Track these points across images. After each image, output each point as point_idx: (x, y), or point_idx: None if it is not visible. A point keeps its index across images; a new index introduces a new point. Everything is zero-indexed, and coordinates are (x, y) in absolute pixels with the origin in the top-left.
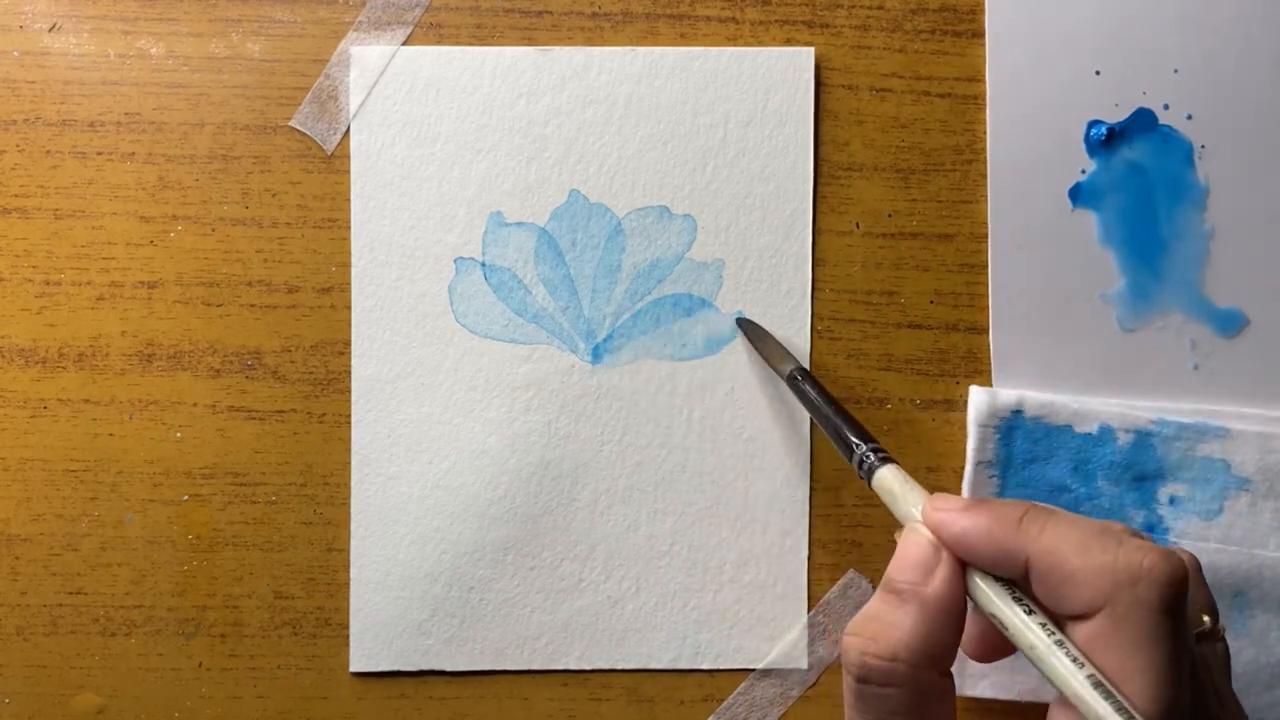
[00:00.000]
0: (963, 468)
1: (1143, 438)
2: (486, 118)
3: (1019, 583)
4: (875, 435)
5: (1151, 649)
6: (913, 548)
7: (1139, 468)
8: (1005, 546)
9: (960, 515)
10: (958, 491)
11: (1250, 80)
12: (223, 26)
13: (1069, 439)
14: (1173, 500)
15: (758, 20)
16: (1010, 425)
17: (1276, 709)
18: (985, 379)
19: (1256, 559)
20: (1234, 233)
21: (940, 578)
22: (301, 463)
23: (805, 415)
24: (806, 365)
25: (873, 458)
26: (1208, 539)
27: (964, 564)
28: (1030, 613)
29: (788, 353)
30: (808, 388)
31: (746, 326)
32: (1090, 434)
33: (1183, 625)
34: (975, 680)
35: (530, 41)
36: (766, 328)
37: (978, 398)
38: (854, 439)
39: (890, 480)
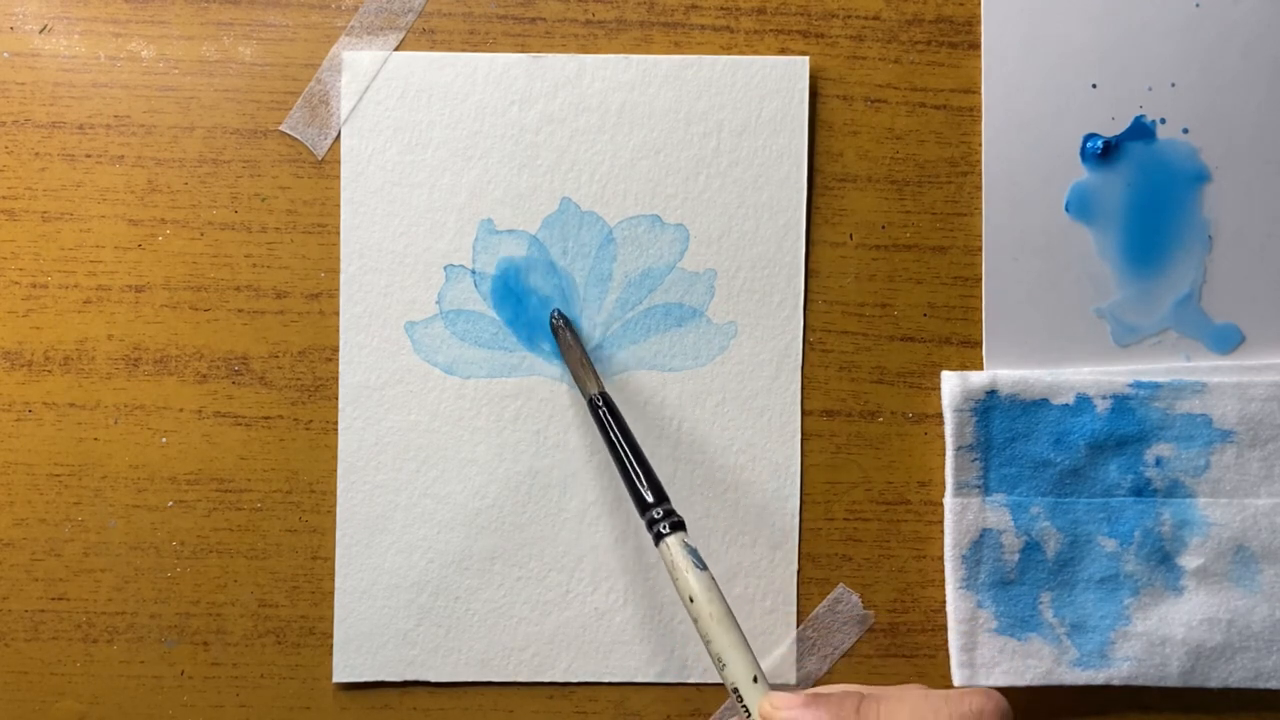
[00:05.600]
0: None
1: (1121, 402)
2: (478, 124)
3: None
4: (867, 448)
5: None
6: None
7: (1121, 433)
8: None
9: (803, 713)
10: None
11: (1247, 94)
12: (214, 30)
13: (1047, 412)
14: (1159, 461)
15: (752, 29)
16: (986, 406)
17: None
18: None
19: (1249, 509)
20: (1231, 247)
21: None
22: (287, 469)
23: (796, 428)
24: (797, 376)
25: (666, 524)
26: (1197, 495)
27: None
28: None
29: (594, 371)
30: (610, 420)
31: (559, 329)
32: (1068, 405)
33: None
34: (988, 670)
35: (523, 48)
36: (576, 340)
37: (950, 382)
38: (648, 496)
39: (675, 553)
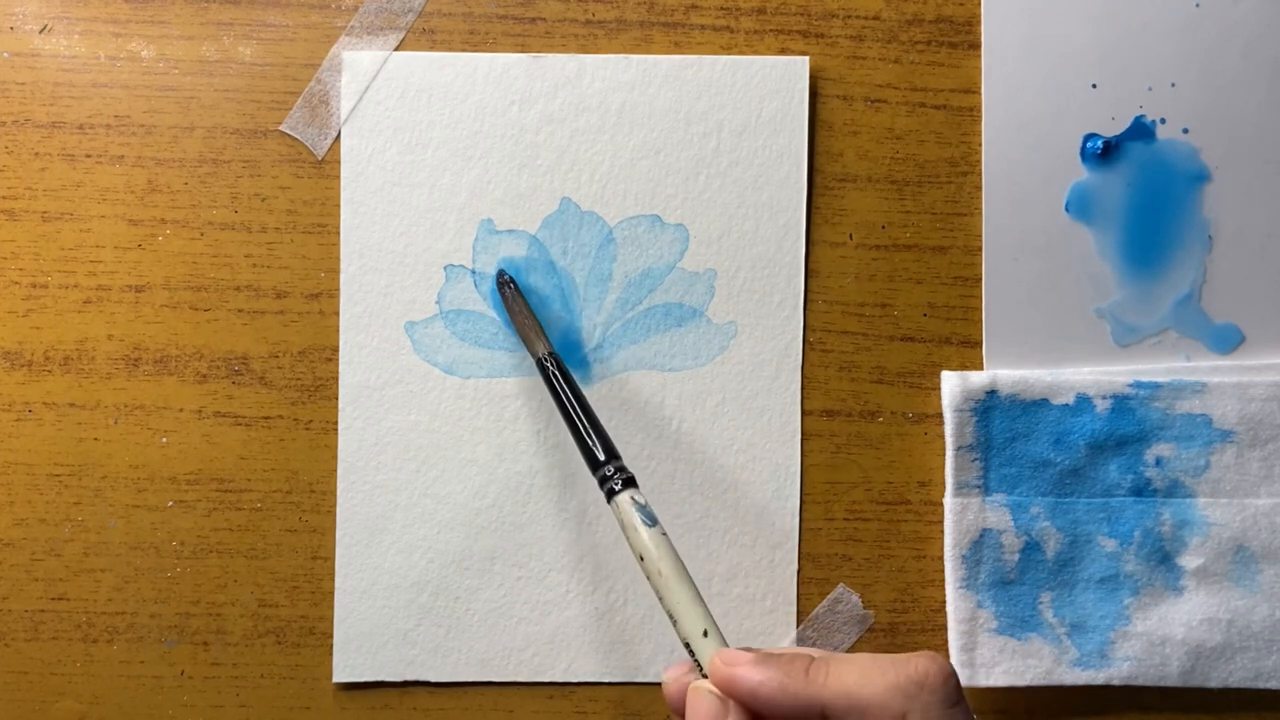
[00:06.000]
0: None
1: (1121, 402)
2: (478, 124)
3: None
4: (867, 448)
5: None
6: (703, 706)
7: (1121, 433)
8: (800, 698)
9: (752, 670)
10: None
11: (1247, 94)
12: (214, 30)
13: (1047, 412)
14: (1159, 461)
15: (752, 29)
16: (986, 406)
17: None
18: None
19: (1249, 509)
20: (1231, 247)
21: None
22: (287, 469)
23: (796, 428)
24: (797, 376)
25: (617, 480)
26: (1197, 495)
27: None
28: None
29: (543, 333)
30: (559, 380)
31: (505, 286)
32: (1068, 405)
33: (967, 710)
34: (987, 670)
35: (523, 48)
36: (526, 307)
37: (950, 382)
38: (600, 454)
39: (625, 510)
